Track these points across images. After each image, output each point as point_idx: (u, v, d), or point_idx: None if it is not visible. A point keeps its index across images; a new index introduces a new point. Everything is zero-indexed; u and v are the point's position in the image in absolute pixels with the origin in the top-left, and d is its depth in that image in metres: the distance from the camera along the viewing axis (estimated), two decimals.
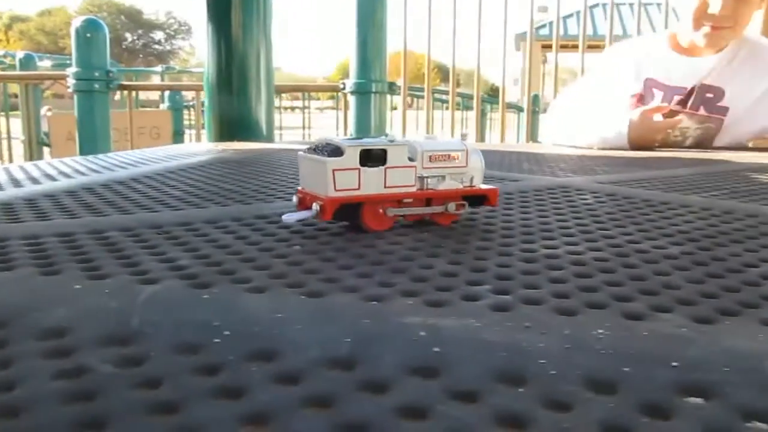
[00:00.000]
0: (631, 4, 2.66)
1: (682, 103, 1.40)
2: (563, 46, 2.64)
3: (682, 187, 0.78)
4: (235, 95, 1.52)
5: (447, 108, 2.78)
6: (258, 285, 0.37)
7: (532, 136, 2.74)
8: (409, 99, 2.83)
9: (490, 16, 2.54)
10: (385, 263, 0.42)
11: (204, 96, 1.63)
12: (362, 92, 2.58)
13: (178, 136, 4.56)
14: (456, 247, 0.46)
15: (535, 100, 4.79)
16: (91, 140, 2.55)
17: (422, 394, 0.23)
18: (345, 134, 2.80)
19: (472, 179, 0.54)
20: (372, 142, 0.50)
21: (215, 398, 0.23)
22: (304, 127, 4.87)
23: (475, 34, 2.38)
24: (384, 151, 0.50)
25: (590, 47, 2.33)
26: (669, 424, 0.22)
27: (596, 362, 0.26)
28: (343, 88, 2.65)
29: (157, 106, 5.78)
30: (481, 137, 2.82)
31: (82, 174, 0.88)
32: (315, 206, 0.49)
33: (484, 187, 0.55)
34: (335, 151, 0.49)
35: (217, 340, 0.28)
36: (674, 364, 0.26)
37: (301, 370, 0.25)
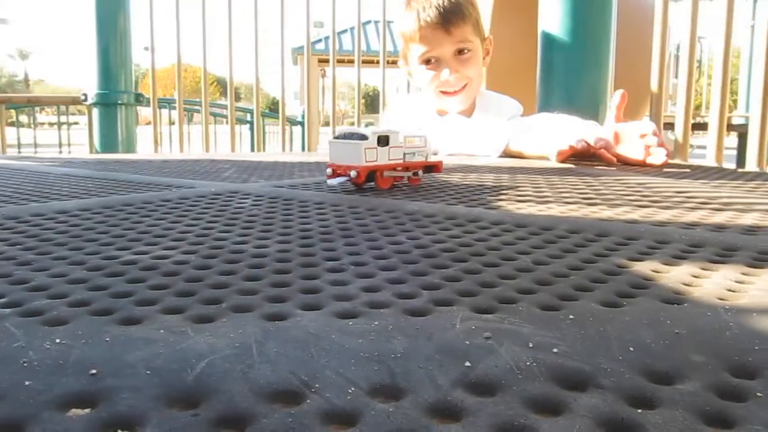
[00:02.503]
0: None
1: None
2: (339, 61, 2.67)
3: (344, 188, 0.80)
4: None
5: (227, 122, 2.68)
6: None
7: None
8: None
9: (242, 28, 2.51)
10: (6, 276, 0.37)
11: None
12: (106, 104, 2.42)
13: None
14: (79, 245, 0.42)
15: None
16: None
17: None
18: (90, 147, 2.61)
19: (427, 156, 0.85)
20: (381, 131, 0.78)
21: None
22: (60, 145, 4.36)
23: (254, 47, 2.33)
24: (388, 136, 0.78)
25: (365, 62, 2.41)
26: None
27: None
28: (85, 100, 2.46)
29: None
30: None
31: None
32: (353, 173, 0.74)
33: (434, 160, 0.87)
34: (362, 137, 0.76)
35: None
36: (93, 372, 0.24)
37: None
